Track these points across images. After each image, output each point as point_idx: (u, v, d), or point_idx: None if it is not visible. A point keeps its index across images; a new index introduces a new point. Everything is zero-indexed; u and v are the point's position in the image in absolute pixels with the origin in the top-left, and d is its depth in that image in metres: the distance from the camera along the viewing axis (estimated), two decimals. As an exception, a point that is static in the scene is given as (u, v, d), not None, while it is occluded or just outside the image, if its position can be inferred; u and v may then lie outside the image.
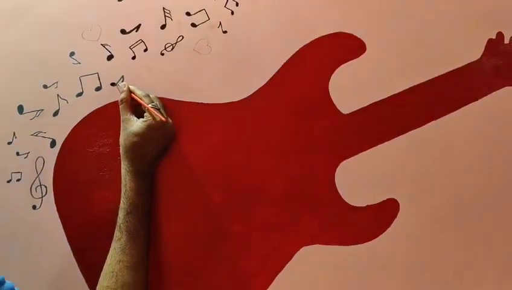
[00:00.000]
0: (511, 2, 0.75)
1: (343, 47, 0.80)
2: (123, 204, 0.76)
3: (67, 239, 0.83)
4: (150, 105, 0.78)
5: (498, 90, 0.75)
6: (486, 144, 0.75)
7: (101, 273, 0.75)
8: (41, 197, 0.84)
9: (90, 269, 0.81)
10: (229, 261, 0.80)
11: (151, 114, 0.77)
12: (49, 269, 0.83)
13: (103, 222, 0.80)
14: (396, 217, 0.75)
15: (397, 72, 0.78)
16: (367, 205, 0.77)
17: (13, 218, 0.84)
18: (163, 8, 0.84)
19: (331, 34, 0.80)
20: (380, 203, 0.76)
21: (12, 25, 0.88)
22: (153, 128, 0.76)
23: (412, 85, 0.77)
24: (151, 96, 0.82)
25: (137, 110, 0.82)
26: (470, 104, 0.76)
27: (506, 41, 0.76)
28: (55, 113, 0.85)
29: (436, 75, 0.77)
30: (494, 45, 0.76)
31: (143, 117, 0.79)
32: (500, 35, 0.76)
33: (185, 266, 0.80)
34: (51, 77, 0.85)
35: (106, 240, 0.78)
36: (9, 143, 0.85)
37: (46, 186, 0.84)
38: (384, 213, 0.76)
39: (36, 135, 0.85)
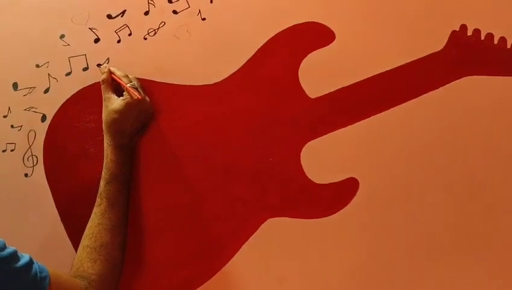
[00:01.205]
0: None
1: (313, 35, 0.81)
2: (104, 174, 0.77)
3: (55, 204, 0.84)
4: (128, 85, 0.78)
5: (458, 80, 0.76)
6: (443, 130, 0.76)
7: (83, 235, 0.76)
8: (33, 166, 0.85)
9: (74, 231, 0.82)
10: (202, 230, 0.81)
11: (129, 93, 0.77)
12: (38, 230, 0.84)
13: (87, 190, 0.80)
14: (355, 194, 0.77)
15: (363, 61, 0.79)
16: (329, 183, 0.78)
17: (7, 184, 0.85)
18: None
19: (303, 23, 0.81)
20: (341, 181, 0.77)
21: (8, 9, 0.87)
22: (131, 105, 0.77)
23: (376, 73, 0.78)
24: (129, 76, 0.81)
25: (118, 89, 0.81)
26: (430, 92, 0.76)
27: (470, 33, 0.76)
28: (46, 91, 0.86)
29: (400, 64, 0.77)
30: (457, 37, 0.77)
31: (123, 96, 0.79)
32: (463, 27, 0.77)
33: (161, 233, 0.81)
34: (43, 57, 0.86)
35: (89, 206, 0.78)
36: (4, 117, 0.86)
37: (37, 157, 0.85)
38: (344, 190, 0.77)
39: (29, 110, 0.86)
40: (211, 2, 0.83)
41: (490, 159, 0.74)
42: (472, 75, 0.76)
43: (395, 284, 0.75)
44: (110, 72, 0.81)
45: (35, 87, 0.86)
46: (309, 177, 0.78)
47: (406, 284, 0.75)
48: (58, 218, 0.84)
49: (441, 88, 0.76)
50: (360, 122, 0.78)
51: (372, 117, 0.78)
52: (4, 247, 0.63)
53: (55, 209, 0.84)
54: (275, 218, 0.79)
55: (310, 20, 0.81)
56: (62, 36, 0.85)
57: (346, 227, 0.77)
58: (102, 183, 0.77)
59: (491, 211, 0.74)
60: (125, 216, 0.78)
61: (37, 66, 0.86)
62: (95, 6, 0.85)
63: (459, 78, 0.76)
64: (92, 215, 0.77)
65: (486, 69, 0.76)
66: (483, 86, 0.75)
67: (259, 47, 0.82)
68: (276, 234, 0.78)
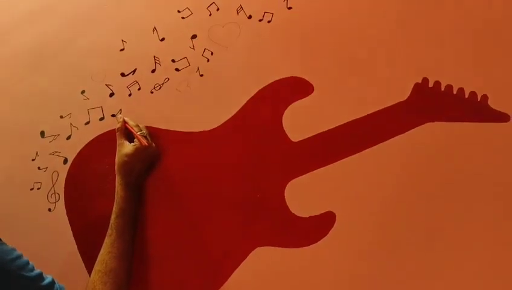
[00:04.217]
0: (435, 53, 0.81)
1: (295, 88, 0.87)
2: (115, 209, 0.85)
3: (73, 235, 0.92)
4: (138, 133, 0.87)
5: (421, 126, 0.80)
6: (409, 169, 0.79)
7: (96, 261, 0.83)
8: (55, 202, 0.93)
9: (89, 258, 0.89)
10: (198, 257, 0.86)
11: (138, 140, 0.86)
12: (58, 257, 0.91)
13: (101, 222, 0.88)
14: (333, 226, 0.81)
15: (338, 109, 0.84)
16: (310, 216, 0.82)
17: (33, 217, 0.93)
18: (154, 56, 0.94)
19: (286, 77, 0.87)
20: (320, 214, 0.82)
21: (39, 69, 0.99)
22: (140, 150, 0.86)
23: (350, 120, 0.83)
24: (140, 125, 0.90)
25: (130, 136, 0.89)
26: (397, 136, 0.81)
27: (431, 85, 0.81)
28: (68, 137, 0.95)
29: (370, 112, 0.83)
30: (420, 88, 0.82)
31: (133, 142, 0.88)
32: (425, 80, 0.82)
33: (161, 260, 0.87)
34: (66, 110, 0.96)
35: (102, 236, 0.85)
36: (33, 160, 0.95)
37: (59, 194, 0.93)
38: (323, 222, 0.81)
39: (53, 154, 0.95)
40: (208, 61, 0.91)
41: (451, 196, 0.77)
42: (434, 122, 0.80)
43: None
44: (125, 122, 0.90)
45: (59, 135, 0.95)
46: (292, 211, 0.83)
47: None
48: (75, 247, 0.91)
49: (406, 132, 0.81)
50: (336, 162, 0.83)
51: (347, 158, 0.82)
52: (33, 269, 0.74)
53: (73, 239, 0.91)
54: (263, 247, 0.83)
55: (291, 75, 0.87)
56: (83, 92, 0.96)
57: (325, 255, 0.80)
58: (113, 216, 0.85)
59: (456, 244, 0.76)
60: (131, 245, 0.86)
61: (61, 116, 0.96)
62: (110, 66, 0.95)
63: (422, 124, 0.81)
64: (104, 244, 0.84)
65: (447, 116, 0.80)
66: (444, 131, 0.79)
67: (248, 98, 0.88)
68: (264, 261, 0.83)
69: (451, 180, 0.79)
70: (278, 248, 0.83)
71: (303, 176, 0.84)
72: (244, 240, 0.85)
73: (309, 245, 0.82)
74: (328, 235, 0.81)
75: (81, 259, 0.91)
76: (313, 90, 0.86)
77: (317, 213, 0.82)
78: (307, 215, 0.83)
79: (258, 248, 0.84)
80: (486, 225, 0.76)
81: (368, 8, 0.86)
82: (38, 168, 0.96)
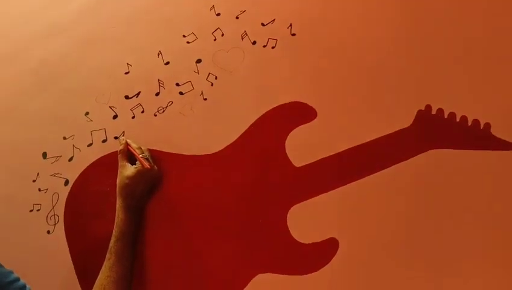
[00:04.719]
0: (438, 80, 0.82)
1: (298, 113, 0.87)
2: (115, 232, 0.84)
3: (71, 258, 0.90)
4: (140, 155, 0.87)
5: (424, 153, 0.80)
6: (412, 196, 0.79)
7: (94, 285, 0.82)
8: (54, 224, 0.92)
9: (86, 281, 0.88)
10: (198, 283, 0.85)
11: (140, 162, 0.86)
12: (55, 279, 0.90)
13: (99, 246, 0.86)
14: (336, 253, 0.80)
15: (341, 134, 0.84)
16: (312, 242, 0.81)
17: (32, 239, 0.92)
18: (158, 79, 0.95)
19: (288, 102, 0.88)
20: (322, 241, 0.81)
21: (44, 90, 0.99)
22: (141, 173, 0.86)
23: (353, 145, 0.84)
24: (142, 148, 0.90)
25: (132, 158, 0.89)
26: (400, 163, 0.81)
27: (434, 112, 0.82)
28: (70, 159, 0.95)
29: (373, 138, 0.83)
30: (423, 115, 0.82)
31: (135, 164, 0.88)
32: (428, 107, 0.82)
33: (161, 284, 0.86)
34: (70, 131, 0.96)
35: (100, 260, 0.84)
36: (33, 181, 0.95)
37: (58, 216, 0.92)
38: (326, 249, 0.81)
39: (54, 176, 0.94)
40: (212, 85, 0.92)
41: (454, 223, 0.78)
42: (437, 149, 0.80)
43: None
44: (127, 144, 0.90)
45: (61, 156, 0.95)
46: (294, 237, 0.83)
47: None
48: (73, 270, 0.90)
49: (409, 159, 0.81)
50: (339, 188, 0.82)
51: (350, 184, 0.82)
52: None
53: (71, 263, 0.90)
54: (264, 273, 0.82)
55: (295, 100, 0.88)
56: (87, 113, 0.96)
57: (328, 283, 0.80)
58: (112, 239, 0.85)
59: (460, 271, 0.76)
60: (130, 270, 0.85)
61: (64, 138, 0.96)
62: (115, 88, 0.96)
63: (425, 151, 0.81)
64: (102, 268, 0.83)
65: (449, 143, 0.81)
66: (447, 158, 0.80)
67: (251, 123, 0.89)
68: (265, 288, 0.82)
69: (454, 208, 0.79)
70: (279, 275, 0.82)
71: (305, 201, 0.84)
72: (245, 266, 0.84)
73: (311, 273, 0.81)
74: (330, 262, 0.81)
75: (78, 283, 0.90)
76: (316, 115, 0.87)
77: (320, 240, 0.82)
78: (309, 242, 0.82)
79: (259, 275, 0.83)
80: (490, 253, 0.76)
81: (371, 34, 0.87)
82: (39, 189, 0.95)
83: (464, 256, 0.77)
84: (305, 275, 0.81)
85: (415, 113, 0.83)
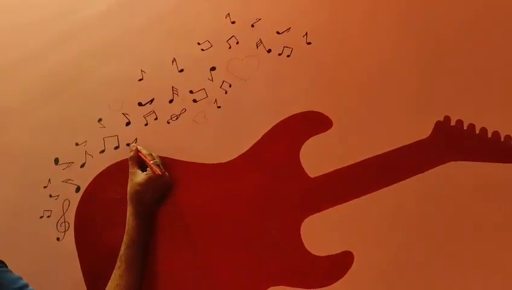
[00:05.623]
0: (458, 91, 0.81)
1: (313, 123, 0.86)
2: (125, 239, 0.84)
3: (80, 265, 0.90)
4: (151, 162, 0.87)
5: (442, 165, 0.79)
6: (430, 209, 0.78)
7: None
8: (64, 231, 0.92)
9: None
10: None
11: (151, 169, 0.86)
12: (64, 287, 0.90)
13: (109, 254, 0.86)
14: (351, 267, 0.78)
15: (357, 145, 0.83)
16: (326, 255, 0.80)
17: (41, 246, 0.92)
18: (172, 86, 0.94)
19: (304, 111, 0.87)
20: (337, 253, 0.80)
21: (57, 96, 0.99)
22: (152, 179, 0.85)
23: (369, 156, 0.82)
24: (153, 154, 0.89)
25: (143, 165, 0.89)
26: (418, 175, 0.79)
27: (453, 123, 0.81)
28: (82, 165, 0.95)
29: (390, 149, 0.82)
30: (442, 126, 0.81)
31: (146, 171, 0.87)
32: (447, 118, 0.81)
33: None
34: (82, 137, 0.96)
35: (110, 268, 0.84)
36: (44, 187, 0.95)
37: (69, 223, 0.92)
38: (340, 263, 0.79)
39: (66, 182, 0.94)
40: (226, 93, 0.92)
41: (472, 237, 0.76)
42: (456, 161, 0.79)
43: None
44: (138, 151, 0.90)
45: (73, 162, 0.95)
46: (308, 249, 0.81)
47: None
48: (82, 278, 0.89)
49: (427, 171, 0.80)
50: (355, 200, 0.81)
51: (365, 195, 0.81)
52: None
53: (80, 270, 0.90)
54: (277, 286, 0.81)
55: (310, 110, 0.87)
56: (100, 120, 0.96)
57: None
58: (123, 247, 0.84)
59: (477, 284, 0.74)
60: (139, 279, 0.84)
61: (76, 144, 0.96)
62: (128, 95, 0.96)
63: (444, 163, 0.79)
64: (112, 276, 0.83)
65: (469, 155, 0.79)
66: (466, 171, 0.78)
67: (265, 132, 0.88)
68: None
69: (474, 221, 0.77)
70: (292, 288, 0.81)
71: (320, 212, 0.83)
72: (257, 278, 0.83)
73: (325, 286, 0.80)
74: (345, 276, 0.79)
75: (87, 291, 0.88)
76: (332, 125, 0.86)
77: (335, 252, 0.81)
78: (324, 254, 0.81)
79: (272, 288, 0.82)
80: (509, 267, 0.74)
81: (389, 44, 0.87)
82: (50, 195, 0.95)
83: (486, 272, 0.75)
84: (318, 289, 0.80)
85: (434, 125, 0.81)
